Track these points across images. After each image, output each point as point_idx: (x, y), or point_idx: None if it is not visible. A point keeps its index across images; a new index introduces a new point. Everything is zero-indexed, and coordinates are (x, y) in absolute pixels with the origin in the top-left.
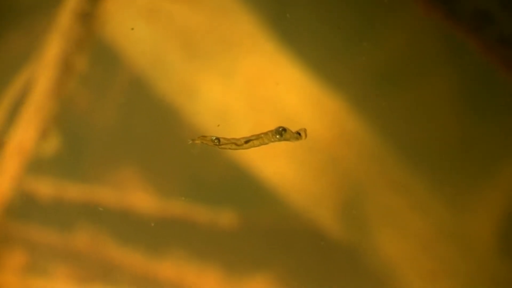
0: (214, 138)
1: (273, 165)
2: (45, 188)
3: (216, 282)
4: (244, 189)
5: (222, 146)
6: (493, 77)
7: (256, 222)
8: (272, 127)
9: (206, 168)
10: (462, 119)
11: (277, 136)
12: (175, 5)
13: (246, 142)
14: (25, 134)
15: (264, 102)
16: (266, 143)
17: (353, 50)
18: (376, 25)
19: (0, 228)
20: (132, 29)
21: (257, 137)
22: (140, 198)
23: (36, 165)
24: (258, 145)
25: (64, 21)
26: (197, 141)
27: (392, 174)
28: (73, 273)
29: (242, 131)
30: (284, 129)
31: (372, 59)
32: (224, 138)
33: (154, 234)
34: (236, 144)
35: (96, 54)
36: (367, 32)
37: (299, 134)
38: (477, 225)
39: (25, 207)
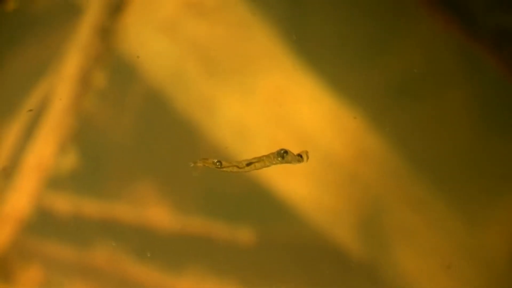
0: (216, 161)
1: (291, 182)
2: (63, 204)
3: None
4: (262, 206)
5: (224, 169)
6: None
7: (274, 239)
8: (290, 143)
9: (224, 184)
10: (480, 135)
11: (279, 159)
12: (194, 20)
13: (248, 164)
14: (43, 149)
15: (282, 118)
16: (268, 166)
17: (371, 67)
18: (395, 41)
19: (17, 243)
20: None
21: (259, 159)
22: (158, 213)
23: (54, 181)
24: (260, 168)
25: (83, 36)
26: (199, 164)
27: (411, 190)
28: None
29: (260, 147)
30: (286, 152)
31: (390, 76)
32: (226, 161)
33: (172, 250)
34: (238, 167)
35: (115, 69)
36: (386, 48)
37: (301, 156)
38: (495, 242)
39: (42, 223)
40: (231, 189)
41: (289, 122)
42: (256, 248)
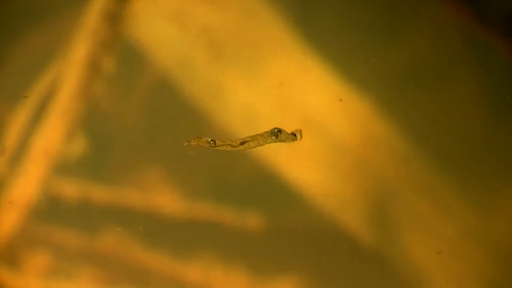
0: (210, 139)
1: (300, 167)
2: (71, 190)
3: (242, 285)
4: (270, 192)
5: (218, 147)
6: None
7: (283, 225)
8: (298, 128)
9: (232, 170)
10: (489, 122)
11: (273, 137)
12: (201, 6)
13: (242, 143)
14: (51, 135)
15: (290, 104)
16: (262, 145)
17: (379, 53)
18: (404, 28)
19: (25, 230)
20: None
21: (252, 138)
22: (166, 200)
23: (62, 167)
24: (254, 147)
25: (91, 21)
26: (192, 143)
27: (419, 177)
28: (97, 276)
29: None
30: (280, 130)
31: (399, 62)
32: (220, 140)
33: (180, 236)
34: (231, 146)
35: (123, 55)
36: (395, 34)
37: (295, 135)
38: (504, 228)
39: (50, 208)
40: (239, 175)
41: (296, 107)
42: (264, 234)
